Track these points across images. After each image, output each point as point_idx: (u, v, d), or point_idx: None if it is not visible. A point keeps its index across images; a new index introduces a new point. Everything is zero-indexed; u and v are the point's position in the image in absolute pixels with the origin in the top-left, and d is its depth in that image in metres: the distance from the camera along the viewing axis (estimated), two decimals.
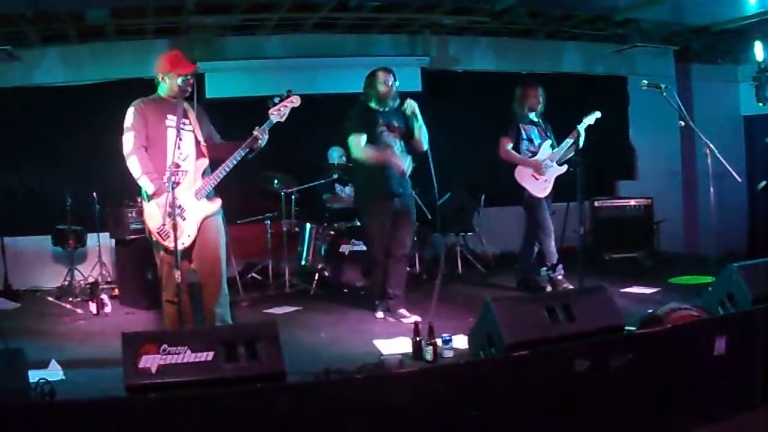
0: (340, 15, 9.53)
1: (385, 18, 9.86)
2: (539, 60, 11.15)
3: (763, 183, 10.45)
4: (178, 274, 5.24)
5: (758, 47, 10.23)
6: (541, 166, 7.68)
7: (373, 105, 6.94)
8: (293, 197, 8.73)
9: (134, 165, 5.47)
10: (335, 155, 9.38)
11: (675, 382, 4.69)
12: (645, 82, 7.24)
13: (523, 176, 7.76)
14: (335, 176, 9.12)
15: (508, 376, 4.42)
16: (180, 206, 5.44)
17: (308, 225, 8.82)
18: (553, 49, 11.26)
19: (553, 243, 7.81)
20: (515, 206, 8.06)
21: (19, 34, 8.75)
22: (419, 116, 6.83)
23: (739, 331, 5.00)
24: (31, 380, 4.36)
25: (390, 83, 6.86)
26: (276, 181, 8.66)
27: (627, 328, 5.07)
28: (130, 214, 8.02)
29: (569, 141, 7.62)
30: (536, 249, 7.91)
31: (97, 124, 8.45)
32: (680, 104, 7.25)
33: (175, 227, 5.18)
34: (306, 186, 8.90)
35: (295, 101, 5.78)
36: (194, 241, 5.60)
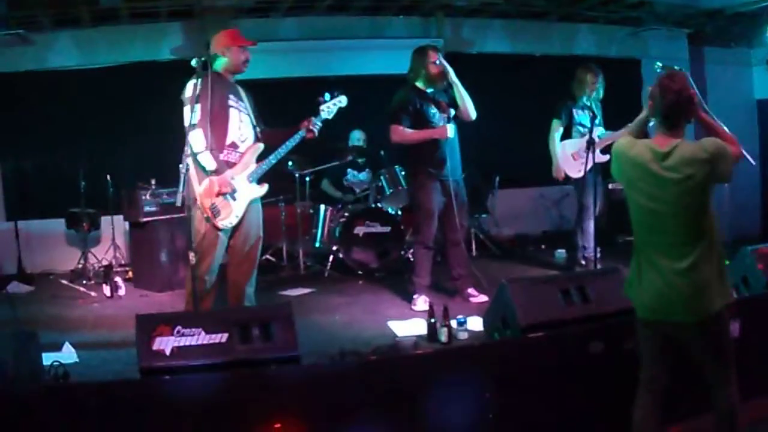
0: None
1: (398, 0, 9.82)
2: (552, 42, 11.08)
3: None
4: (192, 256, 5.19)
5: None
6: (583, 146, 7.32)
7: (420, 84, 6.78)
8: (308, 179, 8.72)
9: (198, 138, 5.35)
10: (355, 137, 9.35)
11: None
12: (659, 64, 7.18)
13: (564, 157, 7.65)
14: (350, 158, 9.09)
15: (522, 358, 4.42)
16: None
17: (322, 206, 8.82)
18: (567, 32, 11.16)
19: (591, 225, 7.52)
20: (530, 188, 8.00)
21: (32, 17, 8.73)
22: (455, 78, 6.65)
23: (754, 315, 4.99)
24: (45, 363, 4.40)
25: (439, 63, 6.67)
26: (290, 163, 8.63)
27: None
28: (143, 197, 8.01)
29: (619, 132, 7.09)
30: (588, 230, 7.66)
31: (111, 107, 8.47)
32: (695, 86, 7.21)
33: (224, 207, 5.55)
34: (321, 168, 8.89)
35: (343, 101, 6.07)
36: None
